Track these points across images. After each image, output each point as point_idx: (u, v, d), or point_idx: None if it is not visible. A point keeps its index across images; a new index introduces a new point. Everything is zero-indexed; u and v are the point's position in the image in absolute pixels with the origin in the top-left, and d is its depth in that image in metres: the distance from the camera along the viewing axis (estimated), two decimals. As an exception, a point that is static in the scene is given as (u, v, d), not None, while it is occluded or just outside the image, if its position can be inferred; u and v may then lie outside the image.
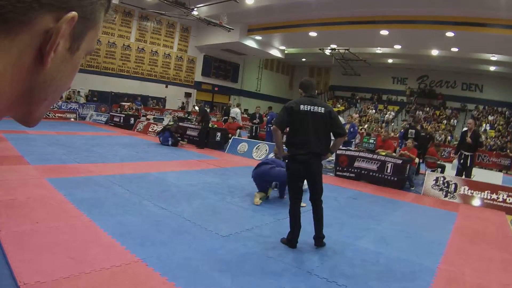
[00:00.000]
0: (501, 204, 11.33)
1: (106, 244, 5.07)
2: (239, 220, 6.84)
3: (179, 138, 17.88)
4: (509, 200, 11.29)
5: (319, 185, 6.03)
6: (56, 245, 4.78)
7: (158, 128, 20.71)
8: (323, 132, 5.83)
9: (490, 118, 36.60)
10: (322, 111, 5.81)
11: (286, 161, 5.95)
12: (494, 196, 11.52)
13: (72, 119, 26.82)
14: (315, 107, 5.78)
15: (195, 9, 27.90)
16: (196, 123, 19.16)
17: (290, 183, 6.01)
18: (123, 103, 28.91)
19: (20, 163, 9.74)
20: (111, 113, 27.13)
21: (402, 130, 20.06)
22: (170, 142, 17.44)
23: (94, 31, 0.74)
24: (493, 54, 30.10)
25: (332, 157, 14.79)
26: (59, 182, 7.97)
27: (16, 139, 13.67)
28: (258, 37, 35.46)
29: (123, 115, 25.23)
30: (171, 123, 19.42)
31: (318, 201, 5.99)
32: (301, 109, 5.71)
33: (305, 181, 6.02)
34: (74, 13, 0.63)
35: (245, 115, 32.94)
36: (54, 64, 0.66)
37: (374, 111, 41.38)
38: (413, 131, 15.75)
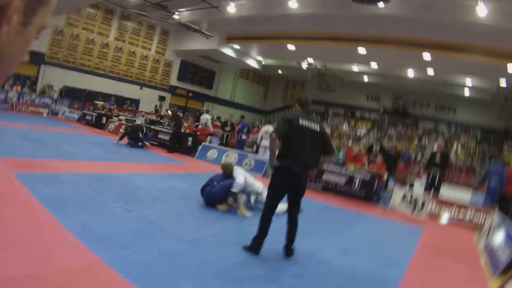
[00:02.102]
0: (468, 221, 11.46)
1: (69, 243, 4.98)
2: (204, 225, 6.81)
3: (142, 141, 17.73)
4: (476, 217, 11.44)
5: (301, 199, 6.10)
6: (18, 242, 4.70)
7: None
8: (317, 148, 5.94)
9: (461, 140, 37.03)
10: (318, 129, 5.92)
11: (274, 171, 5.93)
12: (461, 214, 11.64)
13: (45, 114, 26.58)
14: (312, 123, 5.89)
15: (176, 13, 27.87)
16: (170, 128, 19.05)
17: (274, 193, 5.98)
18: (97, 102, 28.65)
19: (-14, 156, 9.57)
20: (83, 111, 26.91)
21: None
22: (140, 144, 17.32)
23: (46, 7, 0.79)
24: (468, 78, 30.54)
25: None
26: (27, 177, 7.84)
27: (-17, 131, 13.51)
28: (237, 46, 35.52)
29: (95, 114, 25.05)
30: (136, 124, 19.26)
31: (297, 215, 6.05)
32: (300, 123, 5.79)
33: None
34: None
35: (218, 123, 32.87)
36: (9, 37, 0.69)
37: (346, 126, 41.55)
38: (377, 148, 15.93)
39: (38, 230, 5.20)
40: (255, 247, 5.80)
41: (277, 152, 5.90)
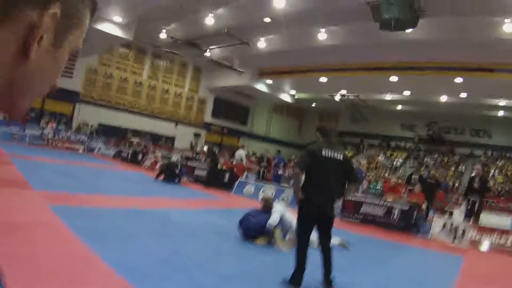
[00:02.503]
0: (510, 249, 11.18)
1: (103, 274, 5.00)
2: (240, 260, 6.74)
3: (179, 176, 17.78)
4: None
5: (331, 230, 6.03)
6: (53, 272, 4.70)
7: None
8: (340, 178, 5.92)
9: (499, 163, 36.41)
10: (341, 158, 5.89)
11: (300, 204, 5.85)
12: (502, 240, 11.38)
13: (80, 151, 27.00)
14: (335, 153, 5.86)
15: (208, 50, 28.22)
16: (205, 163, 19.15)
17: (302, 226, 5.91)
18: (132, 139, 29.02)
19: (25, 188, 9.77)
20: (119, 148, 27.25)
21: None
22: (176, 180, 17.41)
23: (79, 30, 0.77)
24: (501, 99, 30.17)
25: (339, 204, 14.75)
26: (63, 210, 7.90)
27: (23, 165, 13.77)
28: (269, 81, 35.77)
29: (131, 151, 25.35)
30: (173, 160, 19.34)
31: (329, 246, 5.95)
32: (323, 154, 5.77)
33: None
34: (56, 8, 0.66)
35: (253, 158, 32.88)
36: (38, 57, 0.68)
37: (382, 157, 41.22)
38: (416, 177, 15.73)
39: (73, 261, 5.23)
40: (294, 281, 5.68)
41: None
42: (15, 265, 4.65)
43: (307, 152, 5.91)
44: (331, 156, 5.79)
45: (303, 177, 5.86)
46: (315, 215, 5.81)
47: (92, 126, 31.45)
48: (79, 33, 0.78)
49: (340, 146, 7.27)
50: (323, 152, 5.76)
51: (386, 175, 34.00)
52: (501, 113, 35.39)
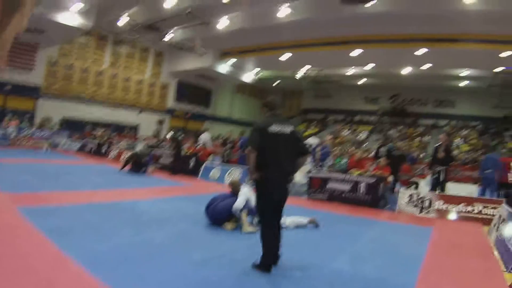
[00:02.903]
0: (477, 216, 11.44)
1: (75, 273, 4.94)
2: (211, 246, 6.71)
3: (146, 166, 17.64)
4: (484, 211, 11.37)
5: (283, 206, 5.98)
6: (23, 276, 4.63)
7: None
8: (292, 152, 5.82)
9: (463, 133, 36.95)
10: (289, 131, 5.78)
11: (256, 184, 5.78)
12: (469, 208, 11.59)
13: (45, 147, 26.59)
14: (283, 127, 5.75)
15: (169, 33, 27.99)
16: (171, 151, 18.98)
17: (264, 206, 5.84)
18: (96, 131, 28.70)
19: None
20: (83, 141, 26.95)
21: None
22: (143, 169, 17.28)
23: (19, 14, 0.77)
24: (465, 69, 30.58)
25: (305, 180, 14.79)
26: (30, 211, 7.81)
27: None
28: (232, 60, 35.59)
29: (96, 143, 25.10)
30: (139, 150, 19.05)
31: (280, 222, 5.95)
32: (272, 129, 5.66)
33: None
34: None
35: (218, 141, 32.77)
36: None
37: (347, 132, 41.47)
38: (384, 149, 15.85)
39: (43, 262, 5.15)
40: (266, 266, 5.66)
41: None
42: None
43: (255, 129, 5.79)
44: (279, 131, 5.69)
45: (255, 155, 5.69)
46: (274, 193, 5.76)
47: (56, 120, 31.02)
48: (21, 17, 0.76)
49: (287, 119, 7.22)
50: (272, 128, 5.66)
51: (352, 149, 34.23)
52: (464, 83, 35.89)
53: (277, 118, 5.94)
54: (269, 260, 5.69)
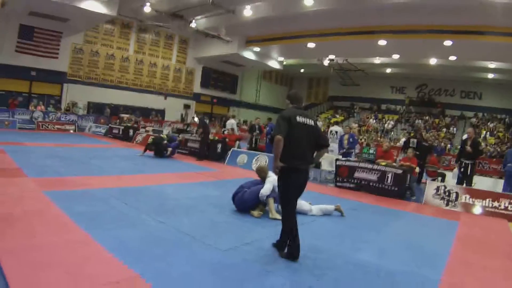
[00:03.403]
0: (503, 211, 11.29)
1: (103, 259, 5.00)
2: (239, 233, 6.73)
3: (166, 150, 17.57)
4: (510, 207, 11.24)
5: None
6: (53, 260, 4.72)
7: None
8: (313, 143, 5.91)
9: (490, 125, 36.58)
10: (312, 123, 5.87)
11: (281, 172, 5.78)
12: (495, 203, 11.47)
13: (71, 131, 26.92)
14: (307, 119, 5.83)
15: (193, 21, 28.00)
16: (197, 135, 18.97)
17: (289, 195, 5.86)
18: (122, 115, 28.90)
19: (18, 176, 9.75)
20: (110, 125, 27.23)
21: (404, 139, 20.00)
22: (166, 153, 17.30)
23: None
24: (491, 62, 30.25)
25: (332, 168, 14.80)
26: (57, 195, 7.92)
27: (14, 152, 13.76)
28: (257, 49, 35.59)
29: (122, 127, 25.30)
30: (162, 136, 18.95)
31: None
32: (297, 120, 5.70)
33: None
34: None
35: (244, 127, 32.81)
36: None
37: (373, 120, 41.28)
38: (415, 140, 15.74)
39: (71, 248, 5.23)
40: (292, 255, 5.72)
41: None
42: (15, 258, 4.66)
43: (282, 118, 5.75)
44: (304, 122, 5.76)
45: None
46: (300, 182, 5.84)
47: (81, 105, 31.44)
48: None
49: (308, 113, 7.24)
50: (298, 118, 5.71)
51: (378, 138, 34.07)
52: (491, 75, 35.58)
53: (301, 110, 5.98)
54: (295, 248, 5.73)
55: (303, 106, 6.10)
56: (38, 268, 4.47)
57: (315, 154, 6.10)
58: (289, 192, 5.86)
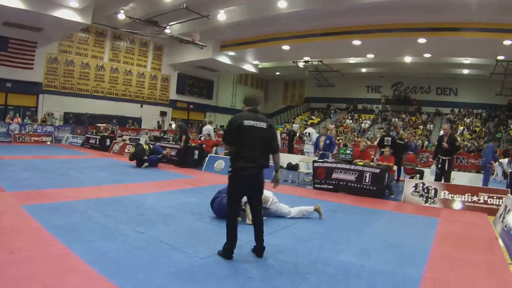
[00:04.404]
0: (482, 205, 11.43)
1: (83, 272, 4.94)
2: (218, 240, 6.65)
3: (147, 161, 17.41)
4: (490, 201, 11.37)
5: (261, 197, 6.20)
6: (32, 275, 4.67)
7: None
8: (265, 146, 5.96)
9: (467, 120, 36.96)
10: (264, 126, 5.93)
11: (229, 173, 5.95)
12: (474, 198, 11.59)
13: (48, 142, 26.77)
14: (258, 122, 5.90)
15: (167, 27, 27.97)
16: (181, 143, 18.78)
17: (233, 196, 6.02)
18: (99, 125, 28.73)
19: (-4, 190, 9.62)
20: (86, 135, 27.01)
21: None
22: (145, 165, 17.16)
23: None
24: (466, 58, 30.59)
25: (310, 170, 14.84)
26: (35, 208, 7.86)
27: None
28: (231, 53, 35.69)
29: (99, 137, 25.09)
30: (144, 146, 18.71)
31: (261, 214, 6.19)
32: (245, 124, 5.79)
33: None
34: None
35: (221, 132, 32.83)
36: None
37: (350, 121, 41.48)
38: (389, 138, 15.84)
39: (50, 262, 5.17)
40: (227, 252, 5.91)
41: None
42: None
43: (229, 123, 5.97)
44: (254, 125, 5.84)
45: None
46: (244, 185, 5.92)
47: (57, 116, 31.22)
48: None
49: (263, 116, 7.19)
50: (245, 122, 5.80)
51: (355, 138, 34.26)
52: (466, 71, 36.02)
53: (254, 113, 6.04)
54: (231, 246, 5.91)
55: (258, 108, 6.10)
56: (17, 283, 4.41)
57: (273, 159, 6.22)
58: (232, 192, 6.01)
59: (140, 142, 19.28)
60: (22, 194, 9.44)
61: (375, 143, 22.49)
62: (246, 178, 5.86)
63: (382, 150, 15.07)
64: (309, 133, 18.75)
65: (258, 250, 6.06)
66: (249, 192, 6.03)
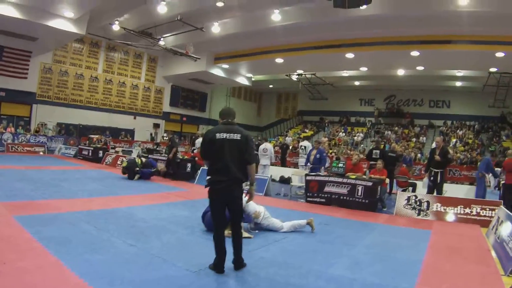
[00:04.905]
0: (475, 217, 11.43)
1: (73, 284, 4.91)
2: (209, 253, 6.61)
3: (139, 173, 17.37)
4: (482, 213, 11.38)
5: (240, 210, 6.25)
6: (23, 287, 4.65)
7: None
8: (240, 158, 5.95)
9: (459, 132, 37.06)
10: (238, 138, 5.95)
11: (208, 188, 5.99)
12: (467, 210, 11.60)
13: (41, 153, 26.70)
14: (231, 134, 5.94)
15: (162, 39, 28.01)
16: (171, 155, 18.70)
17: (213, 210, 6.06)
18: (92, 136, 28.67)
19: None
20: (79, 146, 27.04)
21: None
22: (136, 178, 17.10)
23: None
24: (459, 70, 30.75)
25: (302, 183, 14.83)
26: (27, 219, 7.82)
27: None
28: (225, 66, 35.71)
29: (92, 148, 25.10)
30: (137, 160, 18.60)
31: (239, 226, 6.18)
32: (217, 137, 5.85)
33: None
34: None
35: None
36: None
37: (343, 134, 41.49)
38: (378, 151, 15.89)
39: (41, 274, 5.13)
40: (216, 267, 5.88)
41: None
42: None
43: (203, 138, 6.11)
44: (226, 137, 5.88)
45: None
46: (221, 198, 5.92)
47: (51, 126, 31.14)
48: None
49: (238, 127, 7.17)
50: (218, 135, 5.87)
51: (348, 151, 34.28)
52: (459, 83, 36.18)
53: (227, 126, 6.09)
54: (220, 259, 5.89)
55: (232, 121, 6.18)
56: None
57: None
58: (211, 205, 6.08)
59: (137, 158, 19.15)
60: (14, 204, 9.40)
61: (364, 156, 22.56)
62: (220, 191, 5.88)
63: (372, 163, 15.13)
64: (304, 146, 18.78)
65: (235, 263, 6.04)
66: (226, 205, 6.00)
